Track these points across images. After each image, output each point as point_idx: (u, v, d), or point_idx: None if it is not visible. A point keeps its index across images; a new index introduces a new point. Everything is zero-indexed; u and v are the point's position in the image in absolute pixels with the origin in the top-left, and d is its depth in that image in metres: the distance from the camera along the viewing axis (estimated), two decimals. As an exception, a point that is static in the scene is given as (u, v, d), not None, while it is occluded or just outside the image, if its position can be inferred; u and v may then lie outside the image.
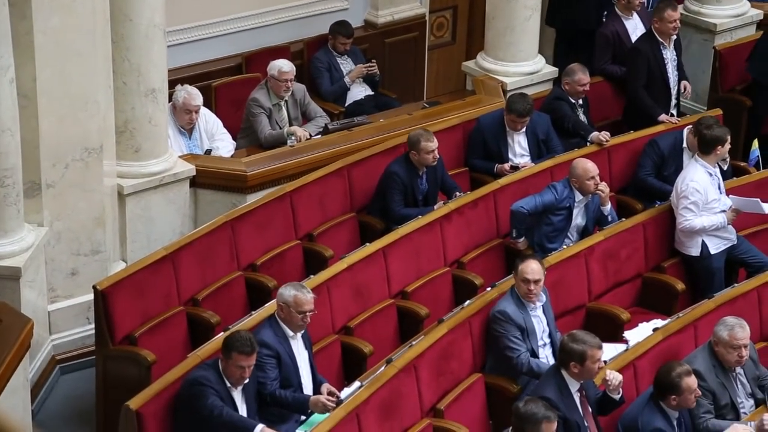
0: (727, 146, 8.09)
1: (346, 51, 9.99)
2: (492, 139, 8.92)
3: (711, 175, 8.09)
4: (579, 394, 6.59)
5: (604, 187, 8.11)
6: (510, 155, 8.93)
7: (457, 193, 8.44)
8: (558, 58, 10.37)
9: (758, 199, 8.16)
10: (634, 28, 9.96)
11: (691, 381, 6.49)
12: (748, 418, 6.87)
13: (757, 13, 10.70)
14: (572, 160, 8.31)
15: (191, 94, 8.79)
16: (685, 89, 9.64)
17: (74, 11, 7.28)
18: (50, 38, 7.26)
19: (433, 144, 8.29)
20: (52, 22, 7.25)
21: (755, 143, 9.28)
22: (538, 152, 8.96)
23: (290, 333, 6.77)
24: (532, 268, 7.08)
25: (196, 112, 8.84)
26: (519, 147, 8.94)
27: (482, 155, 8.98)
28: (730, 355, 6.84)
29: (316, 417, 6.67)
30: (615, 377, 6.61)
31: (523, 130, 8.88)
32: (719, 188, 8.15)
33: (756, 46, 10.01)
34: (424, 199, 8.47)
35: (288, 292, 6.73)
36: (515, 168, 8.80)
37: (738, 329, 6.81)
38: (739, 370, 6.95)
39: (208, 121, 9.03)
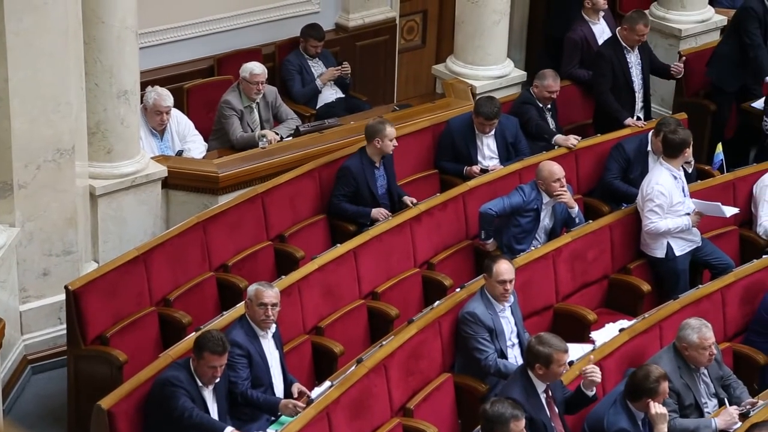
0: (689, 149, 8.21)
1: (318, 54, 10.04)
2: (461, 141, 9.01)
3: (676, 178, 8.21)
4: (545, 395, 6.67)
5: (562, 192, 8.17)
6: (479, 158, 9.02)
7: (409, 199, 8.49)
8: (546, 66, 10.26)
9: (719, 203, 8.29)
10: (601, 32, 10.07)
11: (666, 384, 6.59)
12: (712, 416, 7.00)
13: (721, 19, 10.84)
14: (540, 163, 8.41)
15: (161, 96, 8.82)
16: (674, 69, 9.74)
17: (46, 13, 7.30)
18: (22, 39, 7.27)
19: (394, 130, 8.37)
20: (25, 24, 7.26)
21: (719, 147, 9.41)
22: (506, 155, 9.05)
23: (260, 332, 6.83)
24: (507, 268, 7.18)
25: (167, 113, 8.87)
26: (488, 149, 9.03)
27: (451, 157, 9.06)
28: (701, 356, 6.94)
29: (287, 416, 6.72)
30: (595, 372, 6.67)
31: (492, 132, 8.97)
32: (684, 191, 8.27)
33: (715, 51, 10.17)
34: (388, 192, 8.52)
35: (252, 287, 6.84)
36: (484, 171, 8.89)
37: (705, 330, 6.93)
38: (703, 370, 7.06)
39: (180, 123, 9.07)
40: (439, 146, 9.13)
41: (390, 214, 8.36)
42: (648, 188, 8.16)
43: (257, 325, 6.82)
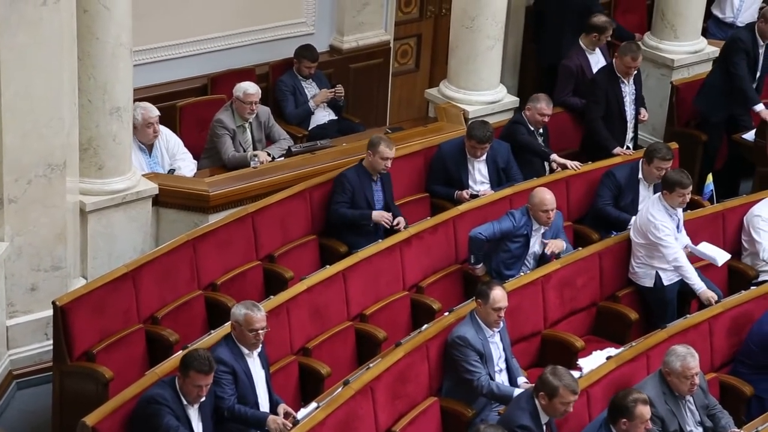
0: (686, 192, 8.20)
1: (311, 75, 10.07)
2: (453, 165, 9.03)
3: (671, 216, 8.23)
4: (546, 427, 6.67)
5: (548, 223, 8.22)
6: (470, 182, 9.03)
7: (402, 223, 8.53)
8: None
9: (717, 258, 8.30)
10: (597, 61, 10.12)
11: (645, 410, 6.54)
12: None
13: (713, 50, 10.90)
14: (531, 189, 8.43)
15: (147, 108, 8.81)
16: (641, 114, 9.83)
17: (41, 28, 7.30)
18: (16, 54, 7.28)
19: (391, 152, 8.40)
20: (19, 39, 7.27)
21: (709, 177, 9.45)
22: (497, 180, 9.07)
23: (246, 351, 6.82)
24: (502, 295, 7.18)
25: (157, 123, 8.86)
26: (479, 174, 9.05)
27: (443, 181, 9.08)
28: (683, 384, 6.96)
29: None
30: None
31: (484, 157, 9.00)
32: (678, 227, 8.31)
33: (704, 81, 10.24)
34: (385, 208, 8.53)
35: (239, 311, 6.79)
36: (474, 196, 8.91)
37: (689, 358, 6.95)
38: (688, 397, 7.07)
39: (169, 141, 9.07)
40: (430, 170, 9.14)
41: (390, 220, 8.38)
42: (649, 224, 8.12)
43: (245, 346, 6.81)
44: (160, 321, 7.59)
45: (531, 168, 9.31)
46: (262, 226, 8.28)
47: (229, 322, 7.08)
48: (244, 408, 6.73)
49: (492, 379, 7.19)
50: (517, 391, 7.04)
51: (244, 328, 6.76)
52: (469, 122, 9.32)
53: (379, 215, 8.37)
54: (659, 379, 6.99)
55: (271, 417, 6.68)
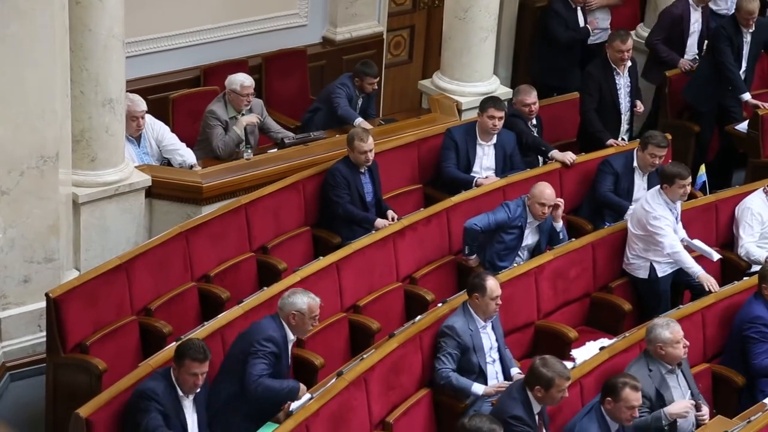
0: (687, 183, 8.22)
1: (374, 90, 9.65)
2: (463, 149, 9.01)
3: (671, 210, 8.25)
4: (538, 417, 6.69)
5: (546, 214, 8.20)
6: (476, 167, 9.02)
7: (391, 214, 8.53)
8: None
9: (713, 253, 8.32)
10: (696, 20, 10.33)
11: (631, 395, 6.55)
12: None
13: (706, 43, 10.91)
14: (525, 180, 8.43)
15: (134, 102, 8.78)
16: (636, 106, 9.84)
17: (33, 19, 7.29)
18: (8, 46, 7.26)
19: (365, 145, 8.37)
20: (11, 30, 7.25)
21: (702, 168, 9.47)
22: (503, 167, 9.07)
23: (291, 337, 6.90)
24: (497, 284, 7.19)
25: (142, 117, 8.84)
26: (486, 160, 9.05)
27: (456, 164, 9.03)
28: (677, 350, 6.98)
29: (269, 427, 6.71)
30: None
31: (494, 141, 8.97)
32: (676, 219, 8.32)
33: (695, 73, 10.26)
34: (376, 201, 8.53)
35: (301, 300, 6.84)
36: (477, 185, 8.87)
37: (673, 324, 7.01)
38: (678, 372, 7.06)
39: (155, 129, 9.03)
40: (443, 152, 9.02)
41: (395, 216, 8.39)
42: (648, 215, 8.12)
43: (297, 333, 6.88)
44: (154, 312, 7.59)
45: (524, 157, 9.31)
46: (256, 218, 8.28)
47: (223, 313, 7.07)
48: (271, 381, 6.72)
49: (483, 369, 7.19)
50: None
51: (306, 316, 6.82)
52: (482, 99, 9.22)
53: (382, 225, 8.35)
54: (644, 361, 6.98)
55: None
